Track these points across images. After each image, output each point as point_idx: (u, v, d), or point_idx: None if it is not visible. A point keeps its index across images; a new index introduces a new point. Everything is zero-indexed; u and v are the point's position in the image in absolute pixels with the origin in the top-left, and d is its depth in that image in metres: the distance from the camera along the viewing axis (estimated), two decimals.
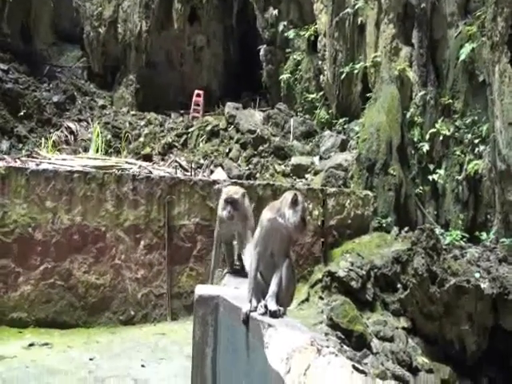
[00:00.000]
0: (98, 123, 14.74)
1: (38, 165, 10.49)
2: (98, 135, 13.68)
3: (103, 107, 16.57)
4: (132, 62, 17.56)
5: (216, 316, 4.13)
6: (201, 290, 4.33)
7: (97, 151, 13.33)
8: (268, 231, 3.62)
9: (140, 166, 12.02)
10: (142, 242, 9.27)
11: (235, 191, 5.11)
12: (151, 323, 8.98)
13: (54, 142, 13.38)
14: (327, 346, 2.81)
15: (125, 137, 14.65)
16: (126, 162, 12.17)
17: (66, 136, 14.15)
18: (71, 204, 8.96)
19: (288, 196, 3.60)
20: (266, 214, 3.66)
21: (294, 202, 3.52)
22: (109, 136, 14.49)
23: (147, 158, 13.66)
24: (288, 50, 16.13)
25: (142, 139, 14.86)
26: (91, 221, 9.03)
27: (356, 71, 13.84)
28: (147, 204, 9.33)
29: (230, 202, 4.97)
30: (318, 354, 2.80)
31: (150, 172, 11.30)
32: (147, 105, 16.80)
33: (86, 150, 13.72)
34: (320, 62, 15.19)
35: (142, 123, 15.76)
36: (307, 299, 9.20)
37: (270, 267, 3.66)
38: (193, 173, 12.60)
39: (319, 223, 10.23)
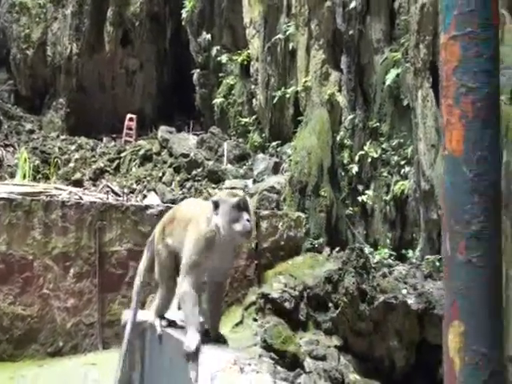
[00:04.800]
0: (26, 148, 14.32)
1: None
2: (25, 161, 13.26)
3: (31, 132, 16.13)
4: (62, 85, 17.25)
5: (143, 341, 4.09)
6: (127, 315, 4.27)
7: (24, 177, 12.90)
8: None
9: (70, 192, 11.73)
10: (71, 270, 9.02)
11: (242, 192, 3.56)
12: (81, 353, 8.71)
13: None
14: (249, 364, 2.88)
15: (54, 162, 14.28)
16: (55, 188, 11.85)
17: None
18: None
19: None
20: None
21: None
22: (37, 161, 14.09)
23: (78, 183, 13.36)
24: (221, 75, 16.31)
25: (72, 164, 14.54)
26: (17, 249, 8.71)
27: (288, 95, 14.13)
28: (77, 231, 9.11)
29: (246, 207, 3.33)
30: (241, 372, 2.86)
31: (81, 198, 11.05)
32: (78, 129, 16.50)
33: (12, 176, 13.25)
34: (253, 87, 15.43)
35: (73, 148, 15.44)
36: (241, 322, 9.20)
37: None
38: (125, 198, 12.42)
39: (253, 246, 10.29)
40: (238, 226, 3.26)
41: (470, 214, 1.17)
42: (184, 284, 3.38)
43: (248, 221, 3.25)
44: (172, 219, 3.81)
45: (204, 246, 3.35)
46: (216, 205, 3.35)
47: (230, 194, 3.40)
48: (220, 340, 3.50)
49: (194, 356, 3.21)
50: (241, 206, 3.28)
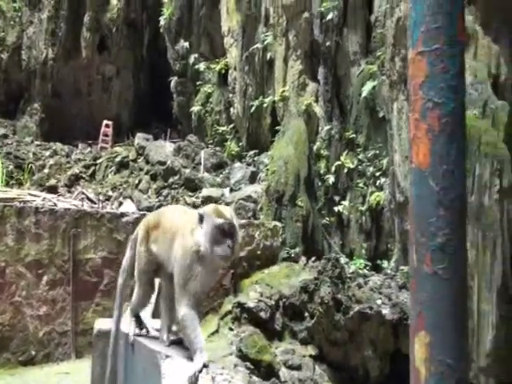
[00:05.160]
0: None
1: None
2: None
3: (5, 136, 15.90)
4: (37, 90, 17.06)
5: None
6: (100, 324, 4.25)
7: None
8: None
9: (44, 199, 11.60)
10: (44, 277, 8.92)
11: (231, 213, 3.40)
12: (54, 362, 8.60)
13: None
14: (221, 374, 2.90)
15: (28, 168, 14.10)
16: (29, 194, 11.71)
17: None
18: None
19: None
20: None
21: None
22: (10, 167, 13.92)
23: (52, 189, 13.20)
24: (199, 83, 16.30)
25: (46, 170, 14.37)
26: None
27: (265, 105, 14.18)
28: (51, 238, 9.02)
29: (231, 232, 3.27)
30: (212, 381, 2.88)
31: (55, 204, 10.94)
32: (53, 135, 16.32)
33: None
34: (230, 95, 15.46)
35: (47, 154, 15.26)
36: (217, 331, 9.16)
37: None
38: (100, 205, 12.31)
39: None
40: (218, 250, 3.20)
41: (435, 227, 1.20)
42: (182, 307, 3.25)
43: (229, 246, 3.18)
44: (157, 224, 3.73)
45: (192, 261, 3.26)
46: (201, 218, 3.28)
47: (217, 213, 3.29)
48: None
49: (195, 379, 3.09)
50: (225, 230, 3.21)
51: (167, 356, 3.28)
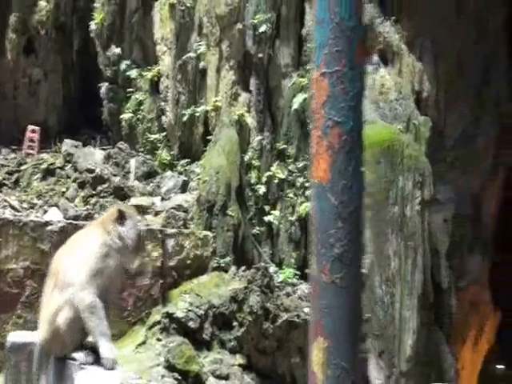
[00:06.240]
0: None
1: None
2: None
3: None
4: None
5: (30, 363, 3.95)
6: (14, 336, 4.14)
7: None
8: None
9: None
10: None
11: None
12: None
13: None
14: None
15: None
16: None
17: None
18: None
19: None
20: None
21: None
22: None
23: None
24: (130, 90, 16.05)
25: None
26: None
27: (198, 114, 14.14)
28: None
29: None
30: None
31: None
32: None
33: None
34: (162, 103, 15.32)
35: None
36: (144, 342, 9.04)
37: None
38: (25, 213, 11.86)
39: (159, 264, 10.16)
40: (136, 249, 3.56)
41: (334, 238, 1.26)
42: (88, 295, 3.25)
43: (144, 250, 3.79)
44: (54, 272, 3.58)
45: (105, 253, 3.37)
46: (123, 216, 3.49)
47: (135, 213, 3.71)
48: None
49: (113, 364, 3.20)
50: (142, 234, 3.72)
51: (81, 367, 3.23)
